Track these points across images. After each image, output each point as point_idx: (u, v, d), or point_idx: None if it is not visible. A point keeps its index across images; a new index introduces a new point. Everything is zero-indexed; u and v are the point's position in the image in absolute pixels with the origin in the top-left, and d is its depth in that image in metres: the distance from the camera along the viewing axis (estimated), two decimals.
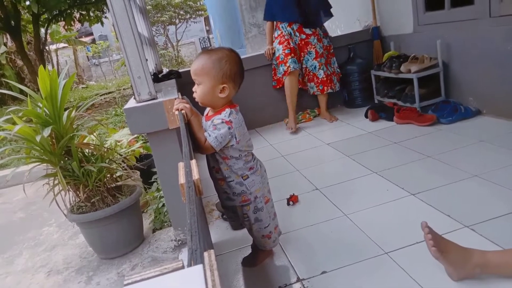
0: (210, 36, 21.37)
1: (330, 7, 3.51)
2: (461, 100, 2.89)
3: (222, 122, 1.34)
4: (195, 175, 0.73)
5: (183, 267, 0.42)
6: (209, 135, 1.34)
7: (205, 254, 0.43)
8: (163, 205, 2.19)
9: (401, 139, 2.66)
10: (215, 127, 1.34)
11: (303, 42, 3.41)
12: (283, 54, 3.39)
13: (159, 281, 0.39)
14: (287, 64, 3.36)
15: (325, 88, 3.47)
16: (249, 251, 1.71)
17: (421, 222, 1.26)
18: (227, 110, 1.37)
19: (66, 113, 1.96)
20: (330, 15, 3.53)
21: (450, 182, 1.97)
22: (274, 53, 3.52)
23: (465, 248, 1.26)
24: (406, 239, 1.57)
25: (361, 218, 1.81)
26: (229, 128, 1.34)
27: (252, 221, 1.50)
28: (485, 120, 2.69)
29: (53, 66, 13.71)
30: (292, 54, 3.36)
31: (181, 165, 0.81)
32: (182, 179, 0.73)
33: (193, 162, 0.82)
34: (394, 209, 1.84)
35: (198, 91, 1.37)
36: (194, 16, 20.05)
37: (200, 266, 0.39)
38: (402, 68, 3.05)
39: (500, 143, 2.28)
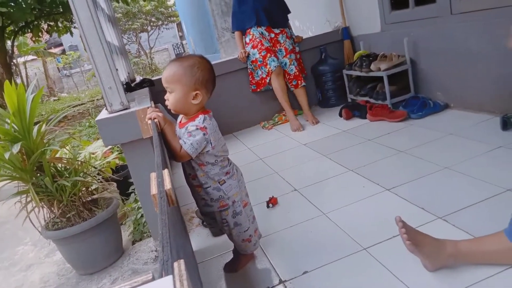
0: (184, 42, 21.27)
1: (289, 11, 3.62)
2: (429, 95, 2.98)
3: (197, 128, 1.34)
4: (167, 185, 0.73)
5: (153, 279, 0.42)
6: (185, 143, 1.33)
7: (175, 264, 0.43)
8: (142, 215, 2.16)
9: (375, 136, 2.72)
10: (190, 134, 1.34)
11: (273, 41, 3.46)
12: (261, 56, 3.43)
13: None
14: (268, 66, 3.41)
15: (299, 82, 3.51)
16: (230, 256, 1.71)
17: (395, 217, 1.29)
18: (201, 116, 1.37)
19: (36, 127, 1.91)
20: (288, 12, 3.62)
21: (422, 175, 2.03)
22: (248, 56, 3.54)
23: (438, 240, 1.30)
24: (383, 234, 1.61)
25: (339, 216, 1.85)
26: (204, 134, 1.34)
27: (231, 226, 1.50)
28: (453, 114, 2.79)
29: (22, 79, 13.29)
30: (269, 54, 3.40)
31: (153, 175, 0.81)
32: (154, 190, 0.72)
33: (165, 171, 0.81)
34: (370, 205, 1.88)
35: (170, 99, 1.36)
36: (166, 22, 19.92)
37: (169, 277, 0.39)
38: (372, 67, 3.13)
39: (468, 135, 2.36)
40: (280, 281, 1.51)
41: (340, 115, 3.31)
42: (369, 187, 2.05)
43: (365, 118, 3.11)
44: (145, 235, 2.17)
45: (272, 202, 2.12)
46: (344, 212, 1.88)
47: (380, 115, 2.97)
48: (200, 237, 2.00)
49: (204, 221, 1.88)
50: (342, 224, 1.77)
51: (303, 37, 3.81)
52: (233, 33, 3.68)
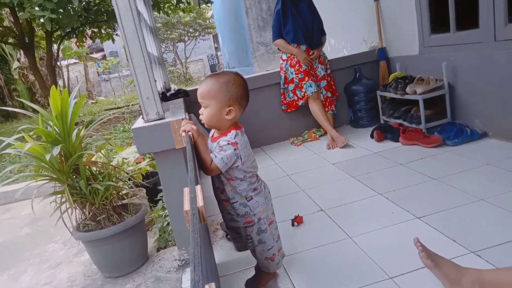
0: (218, 53, 21.69)
1: (324, 33, 3.60)
2: (467, 122, 2.89)
3: (228, 143, 1.36)
4: (200, 202, 0.75)
5: None
6: (215, 157, 1.36)
7: (206, 287, 0.44)
8: (168, 223, 2.20)
9: (407, 160, 2.66)
10: (221, 149, 1.36)
11: (311, 63, 3.47)
12: (297, 78, 3.45)
13: None
14: (303, 90, 3.42)
15: (328, 108, 3.57)
16: (253, 272, 1.70)
17: (413, 238, 1.27)
18: (233, 131, 1.40)
19: (75, 131, 2.00)
20: (323, 32, 3.61)
21: (455, 205, 1.95)
22: (286, 71, 3.55)
23: (460, 266, 1.27)
24: (411, 264, 1.55)
25: (365, 241, 1.80)
26: (234, 149, 1.36)
27: (255, 243, 1.50)
28: (491, 143, 2.68)
29: (63, 81, 13.96)
30: (306, 78, 3.41)
31: (186, 190, 0.83)
32: (186, 206, 0.74)
33: (198, 187, 0.83)
34: (399, 232, 1.83)
35: (205, 114, 1.39)
36: (203, 33, 20.44)
37: None
38: (408, 89, 3.07)
39: (506, 166, 2.26)
40: None
41: (372, 136, 3.26)
42: (398, 213, 1.99)
43: (398, 141, 3.04)
44: (169, 243, 2.20)
45: (297, 221, 2.10)
46: (371, 237, 1.83)
47: (414, 139, 2.90)
48: (223, 250, 2.01)
49: (229, 235, 1.88)
50: (368, 250, 1.73)
51: (337, 56, 3.81)
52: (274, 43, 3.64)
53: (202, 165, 1.40)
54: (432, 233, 1.76)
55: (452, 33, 2.94)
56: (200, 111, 1.42)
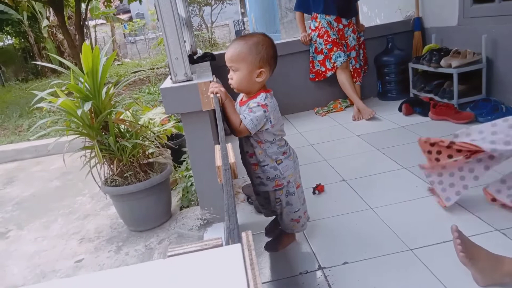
0: (245, 19, 21.25)
1: None
2: (503, 99, 2.76)
3: (258, 105, 1.36)
4: (231, 159, 0.76)
5: (222, 245, 0.44)
6: (245, 118, 1.35)
7: (243, 234, 0.45)
8: (192, 184, 2.25)
9: (436, 136, 2.57)
10: (250, 110, 1.36)
11: (340, 33, 3.36)
12: (326, 49, 3.36)
13: (200, 255, 0.42)
14: (332, 60, 3.35)
15: (356, 79, 3.50)
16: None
17: (451, 226, 1.23)
18: (262, 94, 1.39)
19: (105, 89, 2.04)
20: None
21: (483, 183, 1.90)
22: (310, 40, 3.48)
23: (495, 256, 1.23)
24: (432, 237, 1.55)
25: (387, 213, 1.80)
26: (264, 111, 1.35)
27: (283, 205, 1.52)
28: None
29: (91, 42, 14.08)
30: (335, 48, 3.31)
31: (217, 147, 0.83)
32: (219, 162, 0.75)
33: (229, 145, 0.84)
34: (422, 206, 1.81)
35: (234, 78, 1.38)
36: None
37: (238, 245, 0.41)
38: (442, 62, 2.94)
39: None
40: (319, 267, 1.52)
41: (400, 109, 3.18)
42: (422, 188, 1.97)
43: (427, 116, 2.95)
44: (192, 203, 2.26)
45: (318, 189, 2.11)
46: (393, 209, 1.83)
47: (444, 115, 2.81)
48: (244, 213, 2.05)
49: (257, 200, 1.87)
50: (389, 221, 1.73)
51: (369, 25, 3.66)
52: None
53: (231, 127, 1.41)
54: (457, 209, 1.74)
55: (497, 2, 2.76)
56: (229, 76, 1.40)
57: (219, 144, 0.94)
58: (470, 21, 3.04)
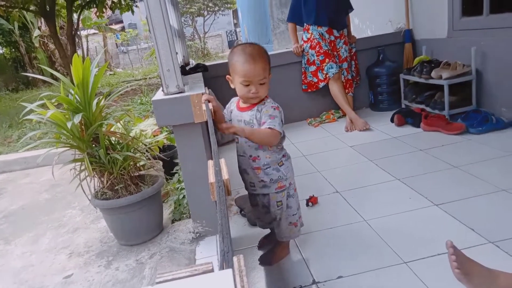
0: (237, 29, 21.41)
1: (350, 5, 3.50)
2: (493, 111, 2.79)
3: (274, 109, 1.40)
4: (225, 175, 0.74)
5: (212, 270, 0.42)
6: (274, 125, 1.36)
7: (235, 259, 0.43)
8: (184, 196, 2.22)
9: (427, 147, 2.60)
10: (273, 117, 1.37)
11: (332, 44, 3.39)
12: (318, 60, 3.38)
13: (190, 282, 0.40)
14: (324, 71, 3.36)
15: (348, 90, 3.51)
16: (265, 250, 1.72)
17: (446, 241, 1.21)
18: (269, 98, 1.45)
19: (95, 101, 2.01)
20: (351, 8, 3.50)
21: (476, 194, 1.91)
22: (303, 51, 3.50)
23: (490, 271, 1.22)
24: (426, 250, 1.54)
25: (381, 225, 1.79)
26: (280, 113, 1.41)
27: (284, 208, 1.53)
28: None
29: (83, 51, 14.04)
30: (327, 59, 3.33)
31: (210, 163, 0.82)
32: (212, 178, 0.73)
33: (223, 161, 0.82)
34: (415, 218, 1.81)
35: (263, 89, 1.39)
36: (222, 8, 20.12)
37: (230, 271, 0.39)
38: (433, 74, 2.98)
39: None
40: (314, 282, 1.50)
41: (392, 120, 3.20)
42: (416, 199, 1.97)
43: (419, 126, 2.97)
44: (184, 215, 2.23)
45: (312, 201, 2.09)
46: (387, 221, 1.82)
47: (436, 126, 2.83)
48: (237, 226, 2.03)
49: (254, 212, 1.81)
50: (383, 233, 1.72)
51: (361, 36, 3.70)
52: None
53: (261, 141, 1.40)
54: (450, 221, 1.73)
55: (485, 16, 2.81)
56: (254, 89, 1.36)
57: (212, 159, 0.92)
58: (459, 34, 3.09)
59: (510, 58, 2.61)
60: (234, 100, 1.54)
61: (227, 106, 1.56)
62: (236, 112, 1.48)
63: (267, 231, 1.74)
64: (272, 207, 1.53)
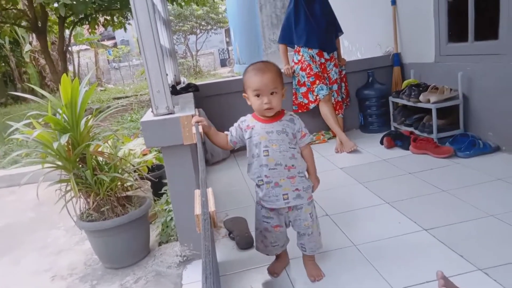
0: (229, 48, 21.67)
1: (340, 28, 3.55)
2: (480, 135, 2.84)
3: (298, 119, 1.54)
4: (211, 206, 0.72)
5: None
6: (308, 135, 1.54)
7: None
8: (171, 218, 2.18)
9: (416, 170, 2.62)
10: (305, 134, 1.53)
11: (322, 66, 3.44)
12: (309, 82, 3.41)
13: None
14: (315, 93, 3.39)
15: (338, 111, 3.53)
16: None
17: (436, 272, 1.20)
18: (287, 111, 1.55)
19: (83, 120, 1.99)
20: (341, 31, 3.56)
21: (464, 220, 1.92)
22: (293, 72, 3.54)
23: None
24: (415, 277, 1.53)
25: (370, 250, 1.77)
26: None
27: (314, 219, 1.59)
28: (504, 157, 2.63)
29: (74, 67, 14.00)
30: (317, 81, 3.37)
31: (197, 193, 0.80)
32: (198, 209, 0.71)
33: (210, 190, 0.81)
34: (405, 243, 1.80)
35: (275, 100, 1.45)
36: (215, 27, 20.39)
37: None
38: (421, 98, 3.03)
39: None
40: None
41: (381, 142, 3.22)
42: (405, 224, 1.96)
43: (408, 149, 3.00)
44: (172, 238, 2.18)
45: None
46: (376, 246, 1.80)
47: (424, 149, 2.85)
48: (226, 249, 1.99)
49: (270, 239, 1.61)
50: (372, 259, 1.70)
51: (350, 59, 3.76)
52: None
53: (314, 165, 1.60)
54: (439, 246, 1.73)
55: (470, 42, 2.88)
56: (266, 100, 1.44)
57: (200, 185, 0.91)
58: (446, 59, 3.16)
59: (495, 84, 2.67)
60: (246, 118, 1.55)
61: (235, 125, 1.57)
62: (261, 125, 1.50)
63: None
64: (305, 220, 1.55)
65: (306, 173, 1.57)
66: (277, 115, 1.51)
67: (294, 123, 1.51)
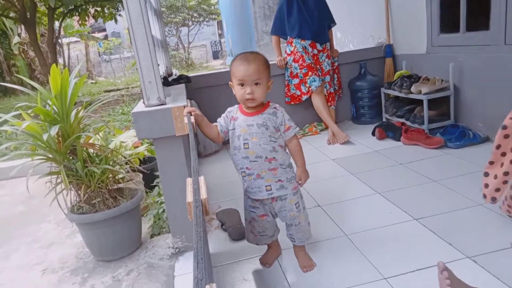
0: (222, 40, 21.51)
1: (333, 19, 3.55)
2: (470, 125, 2.87)
3: (281, 112, 1.51)
4: (203, 194, 0.72)
5: None
6: (294, 128, 1.52)
7: (207, 287, 0.42)
8: (163, 210, 2.18)
9: (407, 160, 2.64)
10: (290, 125, 1.51)
11: (315, 58, 3.43)
12: (301, 73, 3.40)
13: None
14: (307, 85, 3.38)
15: (330, 103, 3.53)
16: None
17: (438, 262, 1.20)
18: (271, 103, 1.52)
19: (74, 112, 1.96)
20: (333, 22, 3.55)
21: (454, 209, 1.94)
22: (286, 63, 3.52)
23: None
24: (406, 266, 1.55)
25: (361, 240, 1.79)
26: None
27: (301, 209, 1.58)
28: None
29: (64, 59, 13.81)
30: (310, 73, 3.36)
31: (189, 181, 0.80)
32: (189, 197, 0.71)
33: (202, 178, 0.80)
34: (396, 232, 1.82)
35: (258, 91, 1.43)
36: (207, 19, 20.20)
37: None
38: (413, 89, 3.04)
39: None
40: None
41: (373, 134, 3.24)
42: (396, 213, 1.98)
43: (399, 140, 3.02)
44: (164, 230, 2.18)
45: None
46: (367, 236, 1.82)
47: (415, 140, 2.87)
48: (218, 240, 1.99)
49: (257, 227, 1.63)
50: (363, 248, 1.72)
51: (343, 50, 3.76)
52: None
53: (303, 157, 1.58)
54: (429, 235, 1.75)
55: (462, 33, 2.90)
56: (249, 90, 1.42)
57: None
58: (438, 50, 3.17)
59: (486, 75, 2.69)
60: (232, 109, 1.55)
61: (223, 116, 1.56)
62: (243, 118, 1.49)
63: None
64: (290, 211, 1.55)
65: (289, 164, 1.55)
66: (260, 108, 1.49)
67: (276, 116, 1.48)
